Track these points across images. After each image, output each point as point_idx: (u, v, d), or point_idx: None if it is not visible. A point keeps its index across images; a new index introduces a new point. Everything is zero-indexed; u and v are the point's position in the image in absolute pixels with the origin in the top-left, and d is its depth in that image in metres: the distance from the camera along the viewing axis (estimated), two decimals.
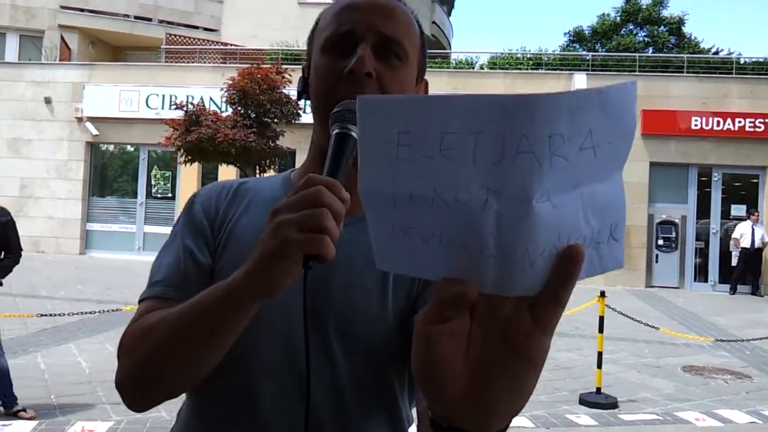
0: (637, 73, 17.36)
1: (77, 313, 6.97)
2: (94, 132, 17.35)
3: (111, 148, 18.41)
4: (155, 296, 1.02)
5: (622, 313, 6.80)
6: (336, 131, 0.88)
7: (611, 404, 5.68)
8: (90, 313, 6.80)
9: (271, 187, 1.14)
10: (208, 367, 0.90)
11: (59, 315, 6.96)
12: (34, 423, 4.64)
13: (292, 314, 0.98)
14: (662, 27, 30.89)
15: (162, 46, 20.53)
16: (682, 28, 31.10)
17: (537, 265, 0.51)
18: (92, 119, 17.34)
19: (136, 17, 22.37)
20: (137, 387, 0.93)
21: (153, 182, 17.75)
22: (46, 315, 6.96)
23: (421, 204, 0.53)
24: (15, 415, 4.68)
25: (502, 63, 20.04)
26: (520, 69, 18.84)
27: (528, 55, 21.38)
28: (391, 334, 1.01)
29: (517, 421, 5.15)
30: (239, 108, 13.08)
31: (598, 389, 5.83)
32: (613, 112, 0.51)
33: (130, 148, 18.21)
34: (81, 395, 5.24)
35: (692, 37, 31.22)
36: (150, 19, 22.42)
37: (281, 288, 0.78)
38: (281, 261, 0.75)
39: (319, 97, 1.02)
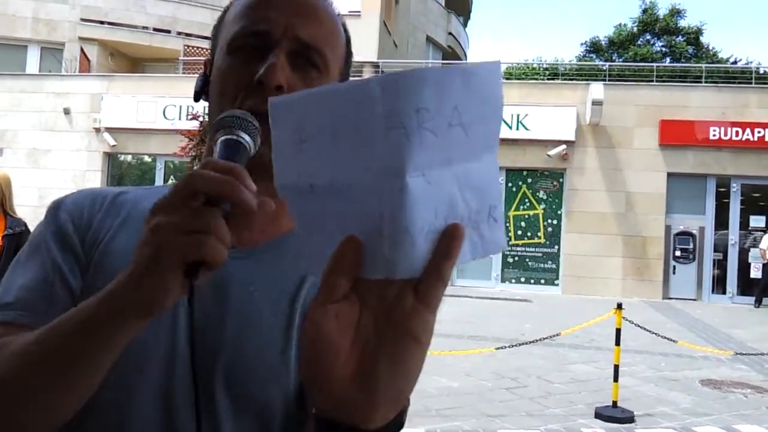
0: (654, 82, 17.26)
1: None
2: (112, 142, 17.53)
3: (128, 158, 18.59)
4: (5, 322, 0.79)
5: (639, 326, 6.72)
6: (223, 137, 0.73)
7: (628, 418, 5.60)
8: None
9: (154, 199, 0.93)
10: (65, 412, 0.71)
11: None
12: None
13: (172, 357, 0.82)
14: (680, 37, 30.77)
15: (180, 58, 20.74)
16: (700, 37, 30.96)
17: (418, 245, 0.52)
18: (110, 130, 17.52)
19: (154, 29, 22.61)
20: None
21: None
22: None
23: (322, 194, 0.55)
24: None
25: (518, 73, 20.02)
26: (536, 79, 18.81)
27: (544, 66, 21.37)
28: (288, 391, 0.84)
29: None
30: None
31: (615, 403, 5.75)
32: (477, 89, 0.53)
33: (147, 159, 18.37)
34: None
35: (710, 47, 31.09)
36: (168, 31, 22.65)
37: (160, 306, 0.63)
38: (157, 271, 0.61)
39: (222, 104, 0.85)
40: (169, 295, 0.62)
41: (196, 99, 0.93)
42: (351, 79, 0.90)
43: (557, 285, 15.66)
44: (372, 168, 0.52)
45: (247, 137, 0.75)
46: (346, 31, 0.95)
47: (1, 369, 0.70)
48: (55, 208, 0.91)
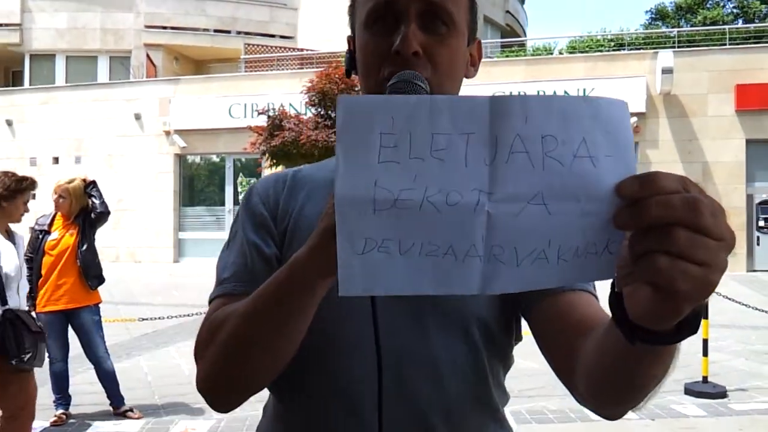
0: (727, 46, 16.47)
1: (175, 316, 7.23)
2: (182, 144, 18.01)
3: (197, 159, 19.06)
4: (226, 293, 0.98)
5: (728, 298, 6.44)
6: None
7: (720, 393, 5.40)
8: (187, 315, 7.03)
9: (329, 171, 1.01)
10: (284, 355, 0.86)
11: (158, 318, 7.31)
12: (141, 422, 4.84)
13: None
14: None
15: (241, 57, 21.09)
16: None
17: (523, 266, 0.53)
18: (179, 132, 18.01)
19: (215, 30, 23.09)
20: (217, 386, 0.91)
21: (240, 189, 18.25)
22: (146, 319, 7.30)
23: (405, 209, 0.53)
24: (123, 415, 4.91)
25: (581, 47, 19.47)
26: (601, 51, 18.25)
27: (609, 37, 20.71)
28: (482, 312, 0.97)
29: None
30: (320, 109, 13.32)
31: (705, 378, 5.55)
32: (606, 123, 0.53)
33: (215, 158, 18.79)
34: (183, 395, 5.40)
35: None
36: (228, 32, 23.09)
37: None
38: None
39: (369, 76, 0.94)
40: None
41: (348, 75, 1.03)
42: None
43: None
44: (484, 190, 0.52)
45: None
46: None
47: (228, 329, 0.86)
48: (248, 195, 1.08)
